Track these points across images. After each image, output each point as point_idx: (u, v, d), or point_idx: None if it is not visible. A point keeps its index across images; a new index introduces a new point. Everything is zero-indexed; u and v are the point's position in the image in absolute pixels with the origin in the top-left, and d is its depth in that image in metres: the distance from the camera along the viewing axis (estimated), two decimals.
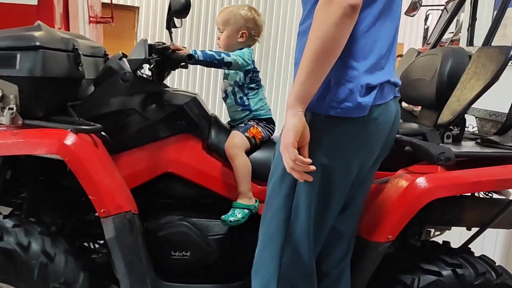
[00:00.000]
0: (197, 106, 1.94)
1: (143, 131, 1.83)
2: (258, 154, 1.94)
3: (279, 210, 1.39)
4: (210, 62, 1.84)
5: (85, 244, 2.09)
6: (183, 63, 1.86)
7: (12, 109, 1.55)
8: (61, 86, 1.71)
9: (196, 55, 1.78)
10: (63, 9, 3.14)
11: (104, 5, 5.94)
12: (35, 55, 1.54)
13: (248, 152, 1.91)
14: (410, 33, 8.65)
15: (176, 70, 1.98)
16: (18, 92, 1.55)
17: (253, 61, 1.95)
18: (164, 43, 1.85)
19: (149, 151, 1.86)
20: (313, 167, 1.22)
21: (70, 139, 1.51)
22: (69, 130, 1.55)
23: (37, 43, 1.54)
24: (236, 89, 1.98)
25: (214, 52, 1.86)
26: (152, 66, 1.85)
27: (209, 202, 1.95)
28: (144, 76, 1.90)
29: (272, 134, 2.02)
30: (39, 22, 1.67)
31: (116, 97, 1.83)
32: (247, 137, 1.92)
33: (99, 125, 1.66)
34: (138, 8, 7.53)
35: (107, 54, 2.22)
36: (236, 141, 1.89)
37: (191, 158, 1.90)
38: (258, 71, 2.01)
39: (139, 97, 1.84)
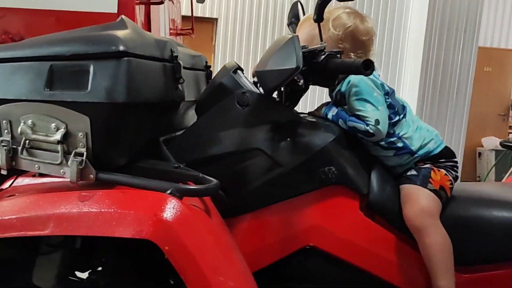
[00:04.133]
0: (349, 141, 1.26)
1: (272, 183, 1.18)
2: (451, 218, 1.22)
3: None
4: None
5: None
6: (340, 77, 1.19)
7: (80, 155, 0.95)
8: (154, 114, 1.10)
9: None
10: (145, 19, 2.73)
11: (183, 18, 5.56)
12: (117, 66, 0.94)
13: None
14: None
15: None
16: (90, 128, 0.95)
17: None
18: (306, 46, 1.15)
19: (281, 214, 1.20)
20: None
21: (171, 211, 0.87)
22: (169, 192, 0.92)
23: (121, 48, 0.93)
24: None
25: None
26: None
27: None
28: (272, 98, 1.25)
29: (457, 174, 1.29)
30: (123, 17, 1.07)
31: (232, 130, 1.20)
32: (433, 191, 1.21)
33: (215, 181, 1.02)
34: (216, 19, 7.07)
35: (210, 66, 1.60)
36: (424, 203, 1.18)
37: (344, 224, 1.22)
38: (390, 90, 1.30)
39: (266, 131, 1.20)
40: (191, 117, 1.37)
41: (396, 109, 1.28)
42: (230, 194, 1.16)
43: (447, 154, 1.29)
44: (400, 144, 1.26)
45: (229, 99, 1.22)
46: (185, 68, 1.28)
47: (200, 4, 6.53)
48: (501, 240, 1.21)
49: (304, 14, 1.44)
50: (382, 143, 1.26)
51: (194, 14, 5.72)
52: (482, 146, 6.73)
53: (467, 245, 1.21)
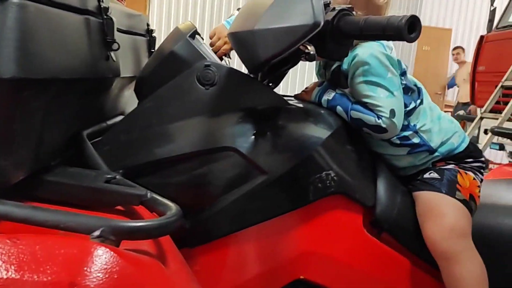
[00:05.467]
0: (350, 136, 0.93)
1: (252, 197, 0.82)
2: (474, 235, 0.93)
3: None
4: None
5: None
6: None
7: None
8: (72, 98, 0.70)
9: None
10: None
11: None
12: (3, 17, 0.53)
13: None
14: (462, 17, 7.54)
15: None
16: None
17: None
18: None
19: (263, 239, 0.85)
20: None
21: (99, 275, 0.49)
22: (97, 235, 0.53)
23: None
24: None
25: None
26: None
27: None
28: (240, 71, 0.87)
29: (483, 176, 1.01)
30: None
31: (191, 121, 0.82)
32: (463, 201, 0.91)
33: (173, 206, 0.64)
34: None
35: (153, 31, 1.20)
36: (453, 219, 0.88)
37: (344, 248, 0.90)
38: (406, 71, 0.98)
39: (240, 122, 0.84)
40: (129, 101, 0.98)
41: (410, 93, 0.96)
42: (191, 215, 0.80)
43: (474, 152, 0.99)
44: (416, 140, 0.95)
45: (186, 75, 0.84)
46: (119, 30, 0.88)
47: None
48: None
49: None
50: (394, 138, 0.94)
51: None
52: None
53: (499, 270, 0.94)
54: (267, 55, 0.71)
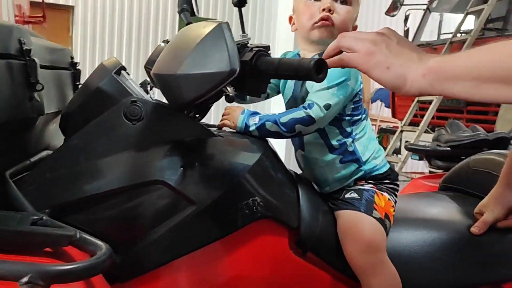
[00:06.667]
0: (273, 162, 0.99)
1: (182, 228, 0.85)
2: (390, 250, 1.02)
3: None
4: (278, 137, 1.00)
5: None
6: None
7: None
8: None
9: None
10: None
11: (33, 4, 4.76)
12: None
13: None
14: None
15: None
16: None
17: None
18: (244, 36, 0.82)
19: (193, 268, 0.88)
20: None
21: None
22: (25, 282, 0.54)
23: None
24: (329, 125, 1.05)
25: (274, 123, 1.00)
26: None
27: None
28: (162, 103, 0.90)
29: (397, 200, 1.11)
30: None
31: (119, 156, 0.84)
32: (379, 220, 1.00)
33: (103, 245, 0.66)
34: (73, 7, 6.29)
35: (77, 63, 1.20)
36: (369, 236, 0.96)
37: (271, 270, 0.95)
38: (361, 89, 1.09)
39: (168, 155, 0.87)
40: (54, 135, 0.98)
41: (361, 107, 1.07)
42: (121, 250, 0.81)
43: (391, 175, 1.09)
44: (350, 148, 1.05)
45: (113, 111, 0.86)
46: (42, 66, 0.88)
47: None
48: (450, 268, 1.05)
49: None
50: (334, 141, 1.03)
51: (48, 1, 5.00)
52: None
53: (409, 278, 1.03)
54: (189, 98, 0.75)
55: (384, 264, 0.95)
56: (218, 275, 0.90)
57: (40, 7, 4.57)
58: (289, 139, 1.09)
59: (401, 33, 5.51)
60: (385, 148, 4.97)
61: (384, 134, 5.60)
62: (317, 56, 0.76)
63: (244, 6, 0.84)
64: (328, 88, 0.98)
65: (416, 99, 4.69)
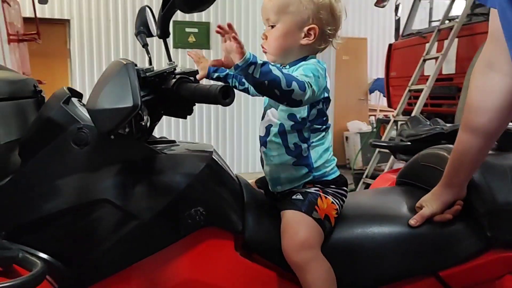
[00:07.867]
0: (216, 174, 1.08)
1: (126, 240, 0.94)
2: (335, 247, 1.10)
3: None
4: (270, 90, 0.96)
5: None
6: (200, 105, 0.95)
7: None
8: None
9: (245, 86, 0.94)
10: None
11: (26, 20, 4.88)
12: None
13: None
14: (375, 26, 8.06)
15: None
16: None
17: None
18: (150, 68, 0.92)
19: (142, 276, 0.97)
20: None
21: None
22: None
23: None
24: (290, 128, 1.13)
25: (278, 70, 0.97)
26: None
27: None
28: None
29: (343, 203, 1.19)
30: None
31: (69, 178, 0.94)
32: (318, 220, 1.08)
33: (38, 263, 0.75)
34: (69, 21, 6.41)
35: (40, 91, 1.29)
36: (303, 235, 1.04)
37: (219, 272, 1.04)
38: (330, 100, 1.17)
39: (113, 175, 0.96)
40: (14, 163, 1.07)
41: (324, 118, 1.15)
42: (73, 263, 0.91)
43: (340, 182, 1.17)
44: (305, 154, 1.13)
45: (62, 137, 0.95)
46: (1, 100, 0.98)
47: (47, 5, 5.85)
48: (390, 260, 1.13)
49: (155, 20, 1.17)
50: (291, 144, 1.12)
51: (41, 16, 5.08)
52: (348, 130, 7.11)
53: (353, 271, 1.11)
54: (106, 129, 0.84)
55: (317, 259, 1.03)
56: (168, 280, 0.99)
57: (34, 23, 4.70)
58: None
59: (393, 23, 5.51)
60: (381, 138, 5.01)
61: (381, 124, 5.64)
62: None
63: (168, 37, 0.92)
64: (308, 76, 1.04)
65: (407, 88, 4.72)
